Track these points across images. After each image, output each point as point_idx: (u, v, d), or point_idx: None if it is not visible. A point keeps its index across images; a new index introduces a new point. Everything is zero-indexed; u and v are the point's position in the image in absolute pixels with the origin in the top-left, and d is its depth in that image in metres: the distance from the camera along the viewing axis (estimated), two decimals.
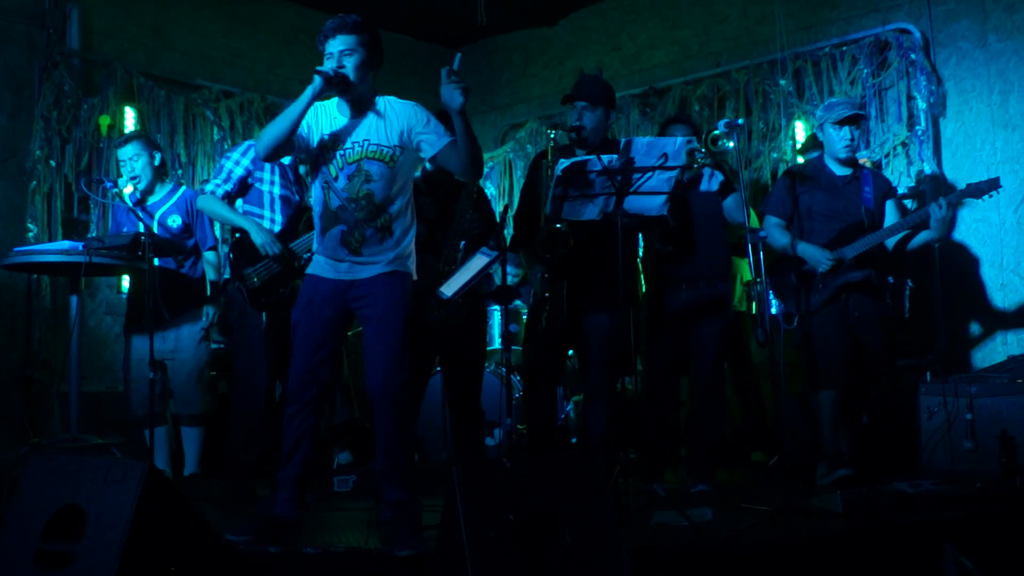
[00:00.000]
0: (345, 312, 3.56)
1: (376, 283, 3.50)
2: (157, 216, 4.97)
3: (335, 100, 3.56)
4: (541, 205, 4.16)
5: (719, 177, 4.45)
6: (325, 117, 3.56)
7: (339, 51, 3.45)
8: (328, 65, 3.45)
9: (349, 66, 3.45)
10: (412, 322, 3.54)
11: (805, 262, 4.65)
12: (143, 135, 5.24)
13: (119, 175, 5.25)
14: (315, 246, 3.63)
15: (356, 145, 3.50)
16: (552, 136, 4.21)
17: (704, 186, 4.41)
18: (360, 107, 3.54)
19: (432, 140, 3.52)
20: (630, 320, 4.17)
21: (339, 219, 3.50)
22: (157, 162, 5.05)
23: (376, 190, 3.48)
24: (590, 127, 4.32)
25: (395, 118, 3.54)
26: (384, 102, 3.58)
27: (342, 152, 3.50)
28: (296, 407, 3.51)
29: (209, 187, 4.55)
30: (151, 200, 5.04)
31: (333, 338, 3.57)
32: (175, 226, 4.96)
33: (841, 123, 4.66)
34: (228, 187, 4.51)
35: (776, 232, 4.70)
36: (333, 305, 3.53)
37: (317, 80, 3.38)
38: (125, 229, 4.93)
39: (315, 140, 3.53)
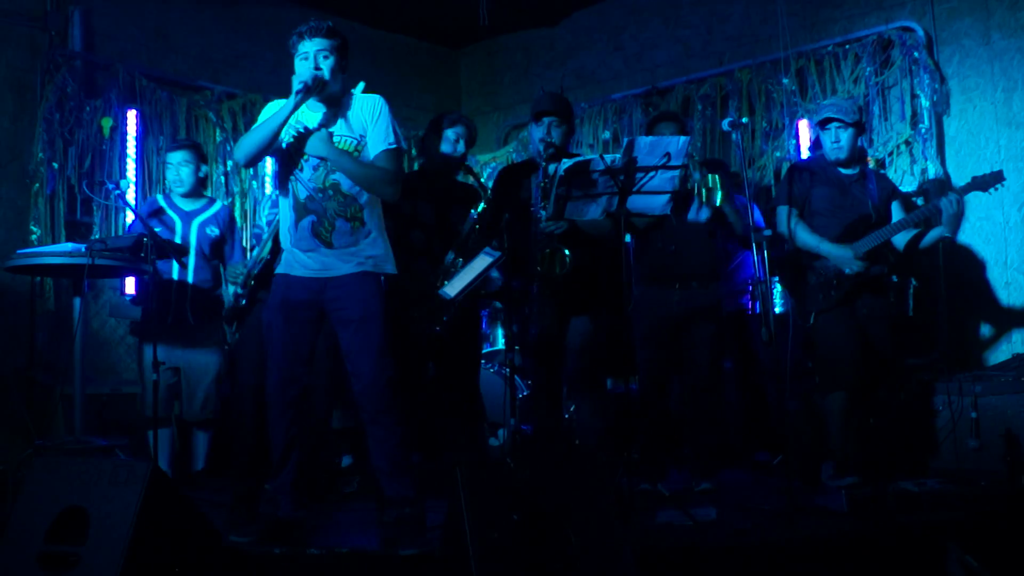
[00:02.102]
0: (319, 313, 3.57)
1: (350, 284, 3.51)
2: (197, 223, 5.11)
3: None
4: (520, 214, 4.30)
5: (707, 213, 4.42)
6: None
7: (315, 52, 3.52)
8: (305, 67, 3.50)
9: (325, 68, 3.51)
10: (390, 320, 3.57)
11: (817, 259, 4.61)
12: (197, 145, 5.38)
13: (123, 175, 5.31)
14: (285, 242, 3.64)
15: None
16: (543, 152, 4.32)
17: (692, 215, 4.40)
18: (330, 104, 3.58)
19: (370, 142, 3.55)
20: (628, 322, 4.20)
21: (308, 210, 3.53)
22: (202, 174, 5.22)
23: (342, 179, 3.51)
24: (559, 142, 4.37)
25: (359, 110, 3.58)
26: (351, 98, 3.62)
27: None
28: (277, 410, 3.52)
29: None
30: (190, 207, 5.16)
31: (308, 339, 3.58)
32: (212, 235, 5.11)
33: (822, 126, 4.67)
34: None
35: (800, 230, 4.66)
36: (307, 305, 3.54)
37: (300, 88, 3.43)
38: (159, 230, 5.02)
39: (282, 137, 3.57)
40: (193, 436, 5.19)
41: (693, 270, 4.57)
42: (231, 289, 4.46)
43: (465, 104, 8.28)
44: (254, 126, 3.62)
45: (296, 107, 3.45)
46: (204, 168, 5.23)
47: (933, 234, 4.70)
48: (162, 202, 5.17)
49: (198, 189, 5.19)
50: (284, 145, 3.56)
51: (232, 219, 5.29)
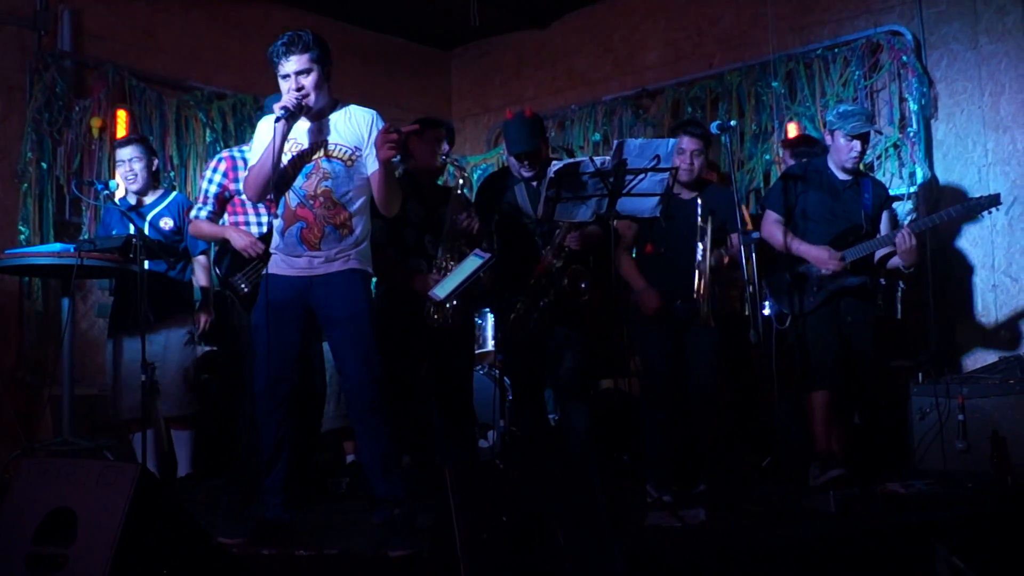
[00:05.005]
0: (307, 311, 3.58)
1: (336, 283, 3.52)
2: (149, 218, 4.96)
3: None
4: (511, 224, 4.39)
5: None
6: None
7: (295, 71, 3.49)
8: (286, 87, 3.49)
9: (308, 86, 3.49)
10: (375, 318, 3.58)
11: (801, 262, 4.63)
12: (145, 140, 5.26)
13: (111, 175, 5.21)
14: (273, 245, 3.64)
15: (315, 146, 3.55)
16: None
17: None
18: (319, 114, 3.58)
19: (370, 161, 3.56)
20: (620, 325, 4.22)
21: (298, 216, 3.54)
22: (154, 168, 5.08)
23: (334, 187, 3.52)
24: (539, 168, 4.38)
25: (355, 123, 3.58)
26: (345, 107, 3.62)
27: (300, 153, 3.54)
28: (267, 408, 3.52)
29: (193, 214, 4.54)
30: (145, 203, 5.03)
31: (296, 338, 3.58)
32: (167, 229, 4.95)
33: (853, 136, 4.61)
34: (209, 207, 4.48)
35: (774, 228, 4.69)
36: (294, 305, 3.55)
37: (282, 116, 3.42)
38: (115, 232, 4.93)
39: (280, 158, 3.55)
40: (173, 438, 5.03)
41: (692, 288, 4.54)
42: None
43: (455, 106, 8.28)
44: (252, 158, 3.62)
45: (284, 135, 3.46)
46: (156, 162, 5.10)
47: (893, 261, 4.69)
48: (119, 204, 4.98)
49: (151, 184, 5.04)
50: (280, 166, 3.56)
51: (189, 207, 4.96)
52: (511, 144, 4.46)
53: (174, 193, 5.19)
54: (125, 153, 4.99)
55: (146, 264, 4.74)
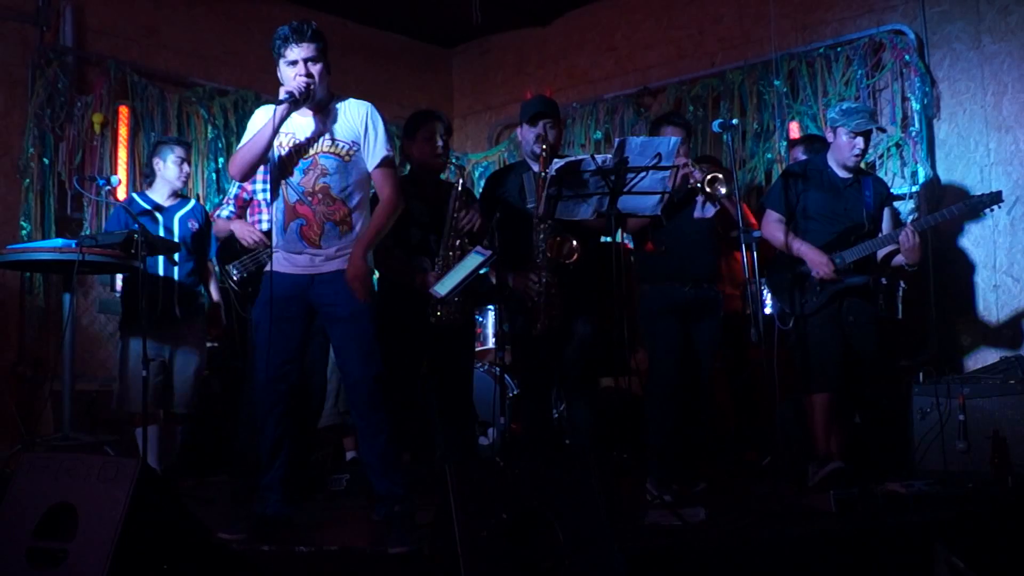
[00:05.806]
0: (307, 309, 3.58)
1: (338, 280, 3.51)
2: (178, 218, 5.02)
3: None
4: (513, 216, 4.35)
5: (711, 209, 4.47)
6: None
7: (304, 59, 3.50)
8: (293, 73, 3.50)
9: (315, 73, 3.50)
10: (376, 315, 3.58)
11: (803, 261, 4.64)
12: None
13: (113, 171, 5.26)
14: (274, 242, 3.65)
15: (311, 142, 3.55)
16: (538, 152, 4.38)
17: (697, 212, 4.44)
18: (317, 108, 3.58)
19: (371, 152, 3.57)
20: (624, 320, 4.21)
21: (298, 213, 3.54)
22: None
23: (332, 183, 3.52)
24: (553, 140, 4.41)
25: (351, 117, 3.59)
26: (341, 101, 3.62)
27: (297, 148, 3.54)
28: (267, 406, 3.52)
29: (217, 213, 4.88)
30: (169, 203, 5.08)
31: (297, 335, 3.58)
32: (194, 230, 5.04)
33: (856, 133, 4.60)
34: (231, 208, 4.83)
35: (775, 228, 4.69)
36: (295, 302, 3.55)
37: (286, 100, 3.43)
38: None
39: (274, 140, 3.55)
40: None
41: (699, 271, 4.57)
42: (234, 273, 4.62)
43: (457, 103, 8.28)
44: (244, 140, 3.61)
45: (284, 118, 3.46)
46: None
47: (899, 259, 4.70)
48: (140, 200, 5.04)
49: None
50: (276, 156, 3.56)
51: (208, 214, 5.19)
52: (528, 109, 4.47)
53: (193, 200, 5.26)
54: (184, 153, 5.07)
55: (175, 267, 4.94)
